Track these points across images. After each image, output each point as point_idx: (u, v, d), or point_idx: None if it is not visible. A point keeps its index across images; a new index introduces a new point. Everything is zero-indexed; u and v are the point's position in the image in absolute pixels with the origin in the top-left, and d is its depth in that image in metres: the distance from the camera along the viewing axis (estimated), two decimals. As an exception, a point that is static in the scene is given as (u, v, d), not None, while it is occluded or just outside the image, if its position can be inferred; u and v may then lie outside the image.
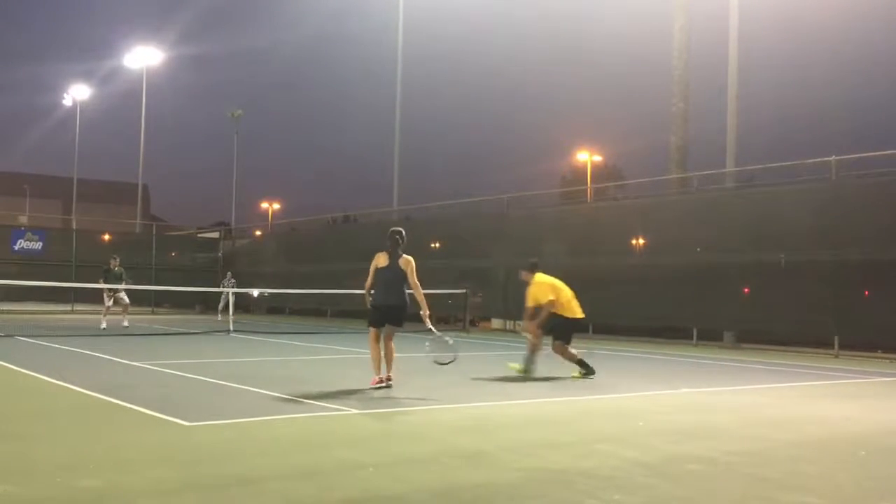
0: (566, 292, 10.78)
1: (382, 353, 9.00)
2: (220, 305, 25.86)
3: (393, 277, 8.97)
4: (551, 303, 10.52)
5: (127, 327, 19.43)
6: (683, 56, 22.32)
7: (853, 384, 11.11)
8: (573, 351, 10.72)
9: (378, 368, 8.99)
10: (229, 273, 27.43)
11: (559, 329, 10.68)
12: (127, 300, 20.09)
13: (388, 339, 9.03)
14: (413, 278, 9.01)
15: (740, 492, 4.77)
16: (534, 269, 10.85)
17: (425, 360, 9.41)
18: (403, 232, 9.14)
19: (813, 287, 16.24)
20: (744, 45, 20.39)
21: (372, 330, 9.05)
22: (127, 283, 20.21)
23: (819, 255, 16.16)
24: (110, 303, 19.93)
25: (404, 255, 9.04)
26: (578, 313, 10.78)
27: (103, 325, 19.30)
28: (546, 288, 10.64)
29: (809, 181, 17.60)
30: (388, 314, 8.98)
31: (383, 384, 8.87)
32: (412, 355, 11.07)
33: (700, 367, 13.10)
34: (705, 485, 4.90)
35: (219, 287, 26.15)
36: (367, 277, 9.15)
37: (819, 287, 16.14)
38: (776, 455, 5.85)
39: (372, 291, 9.19)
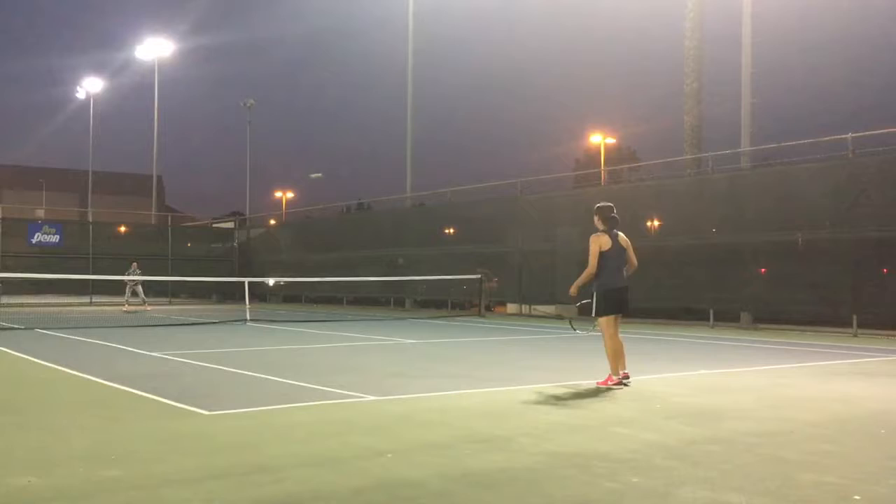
0: None
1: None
2: (126, 296, 25.25)
3: (620, 258, 8.34)
4: None
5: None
6: (696, 35, 22.12)
7: (872, 363, 11.05)
8: None
9: (618, 365, 8.25)
10: (134, 264, 25.68)
11: None
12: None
13: (617, 330, 8.42)
14: (633, 256, 8.48)
15: (760, 472, 4.75)
16: None
17: (441, 346, 9.39)
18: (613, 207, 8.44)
19: (831, 266, 16.13)
20: (757, 22, 20.13)
21: (608, 318, 8.33)
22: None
23: (836, 234, 16.04)
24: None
25: (621, 234, 8.41)
26: None
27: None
28: None
29: (826, 159, 17.44)
30: (626, 298, 8.43)
31: (625, 382, 8.18)
32: (431, 341, 11.10)
33: (717, 349, 13.06)
34: (724, 466, 4.89)
35: (125, 276, 24.63)
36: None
37: (837, 266, 16.03)
38: (795, 435, 5.83)
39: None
